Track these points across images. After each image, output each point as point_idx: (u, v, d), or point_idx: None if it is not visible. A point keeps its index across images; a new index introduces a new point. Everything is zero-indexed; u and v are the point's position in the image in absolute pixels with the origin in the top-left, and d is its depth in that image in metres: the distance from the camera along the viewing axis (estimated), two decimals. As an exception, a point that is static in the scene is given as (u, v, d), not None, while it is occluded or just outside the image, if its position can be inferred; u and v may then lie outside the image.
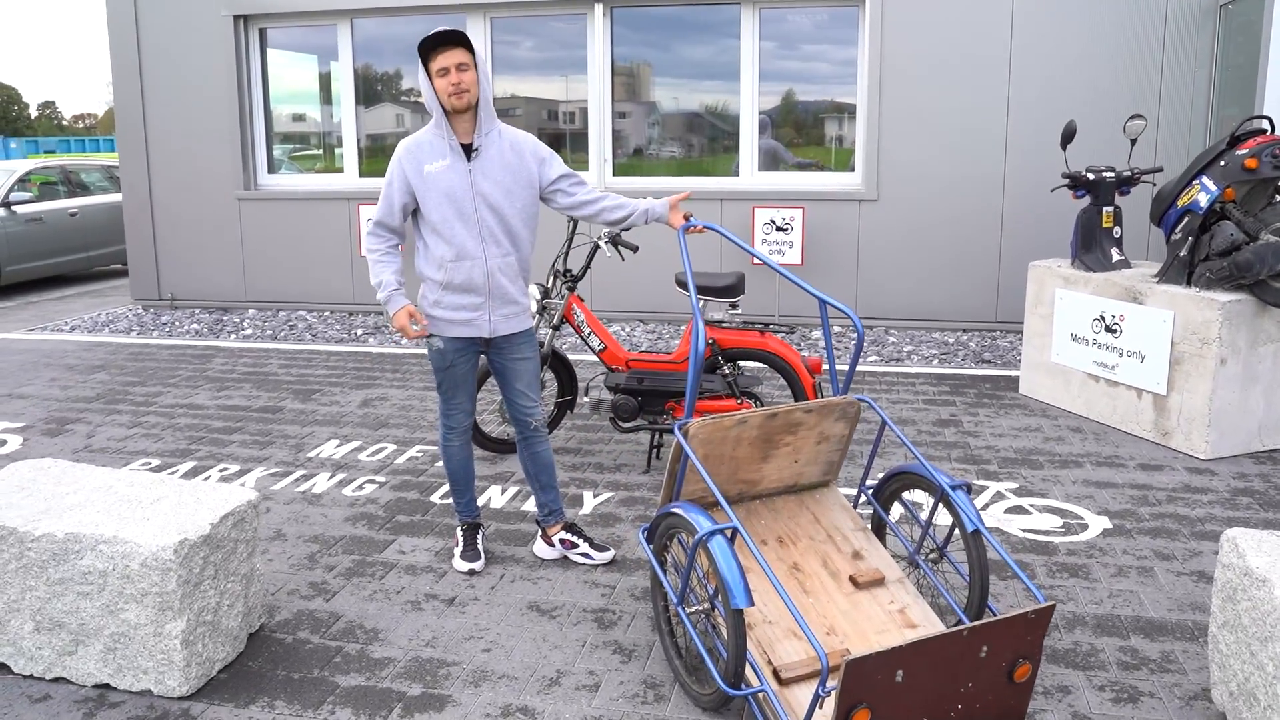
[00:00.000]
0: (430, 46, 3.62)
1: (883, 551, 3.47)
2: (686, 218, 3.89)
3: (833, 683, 2.88)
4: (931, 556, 3.62)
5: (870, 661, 2.49)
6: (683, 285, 5.21)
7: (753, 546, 2.85)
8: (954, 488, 3.23)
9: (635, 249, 5.32)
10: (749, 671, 2.94)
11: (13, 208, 11.62)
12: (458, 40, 3.62)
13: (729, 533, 2.94)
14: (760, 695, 2.88)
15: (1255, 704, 2.68)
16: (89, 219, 12.64)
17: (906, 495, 4.86)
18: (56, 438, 5.83)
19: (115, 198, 13.09)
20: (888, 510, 3.66)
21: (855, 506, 3.75)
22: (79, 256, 12.52)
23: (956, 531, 4.54)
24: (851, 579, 3.32)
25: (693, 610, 3.07)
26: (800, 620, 2.61)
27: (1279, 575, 2.68)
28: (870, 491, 3.68)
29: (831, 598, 3.27)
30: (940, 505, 4.19)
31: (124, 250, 13.09)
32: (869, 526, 3.68)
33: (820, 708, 2.81)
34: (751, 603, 2.75)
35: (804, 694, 2.90)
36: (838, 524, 3.58)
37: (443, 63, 3.61)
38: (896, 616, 3.21)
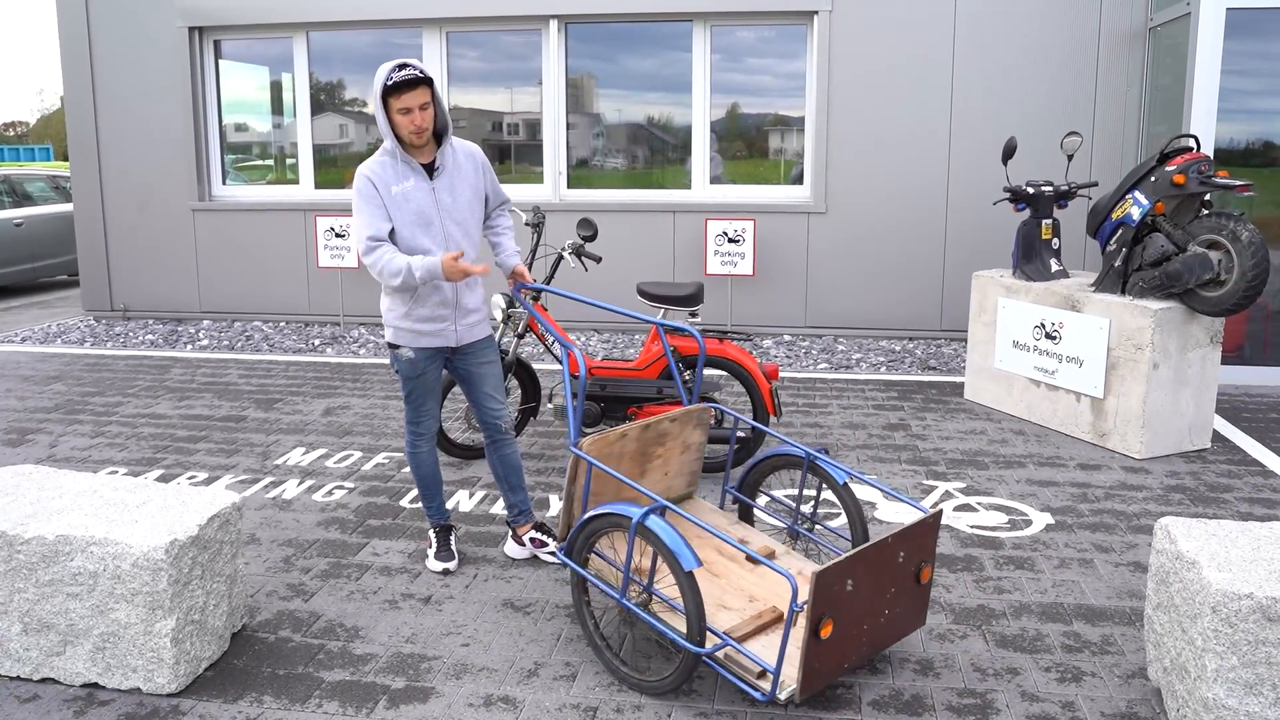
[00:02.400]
0: (395, 85, 3.65)
1: (761, 534, 3.86)
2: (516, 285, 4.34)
3: (803, 599, 3.15)
4: (807, 526, 3.92)
5: (831, 571, 2.89)
6: (644, 295, 5.39)
7: (683, 513, 3.13)
8: (817, 452, 3.64)
9: (599, 260, 5.50)
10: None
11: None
12: (422, 80, 3.70)
13: (660, 510, 3.18)
14: (724, 651, 3.12)
15: (1186, 676, 2.91)
16: (35, 229, 12.49)
17: (786, 477, 5.27)
18: (18, 448, 5.84)
19: (61, 208, 12.95)
20: (754, 499, 4.04)
21: (722, 507, 4.10)
22: (25, 267, 12.36)
23: (828, 498, 5.03)
24: (748, 558, 3.63)
25: (636, 600, 3.28)
26: (743, 547, 2.98)
27: (1207, 557, 2.92)
28: (734, 487, 4.03)
29: (740, 575, 3.59)
30: (813, 475, 4.42)
31: (70, 261, 12.96)
32: (738, 519, 4.08)
33: (795, 624, 3.09)
34: (700, 563, 3.01)
35: (758, 645, 3.17)
36: (715, 523, 3.95)
37: (407, 103, 3.67)
38: (798, 578, 3.57)
